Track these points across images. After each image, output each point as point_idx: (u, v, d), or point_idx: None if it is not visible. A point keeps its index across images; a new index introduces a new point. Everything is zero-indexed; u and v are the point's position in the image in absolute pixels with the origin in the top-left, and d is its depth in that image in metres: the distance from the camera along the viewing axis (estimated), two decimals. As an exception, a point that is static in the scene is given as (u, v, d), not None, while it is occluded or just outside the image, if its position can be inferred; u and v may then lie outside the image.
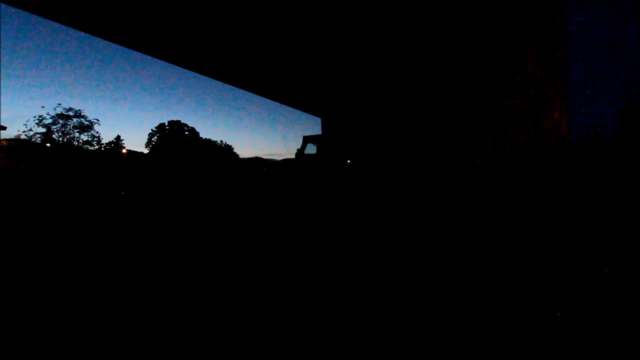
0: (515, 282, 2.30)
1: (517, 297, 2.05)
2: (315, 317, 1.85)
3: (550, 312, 1.83)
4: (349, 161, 8.14)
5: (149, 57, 12.42)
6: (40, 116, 23.82)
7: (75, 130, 25.73)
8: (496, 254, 2.93)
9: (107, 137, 75.04)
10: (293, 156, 9.65)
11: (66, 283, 2.38)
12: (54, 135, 24.42)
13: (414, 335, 1.65)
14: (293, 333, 1.68)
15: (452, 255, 2.94)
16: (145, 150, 41.98)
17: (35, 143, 22.33)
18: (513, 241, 3.38)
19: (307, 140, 9.48)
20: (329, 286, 2.32)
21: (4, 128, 17.55)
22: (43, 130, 23.88)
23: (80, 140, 25.97)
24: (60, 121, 24.82)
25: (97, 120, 26.96)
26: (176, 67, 13.51)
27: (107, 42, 12.26)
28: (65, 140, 25.00)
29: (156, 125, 44.42)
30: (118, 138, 39.84)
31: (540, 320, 1.75)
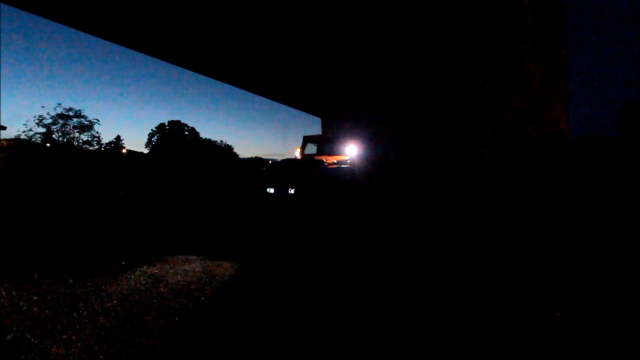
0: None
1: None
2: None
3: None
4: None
5: (149, 57, 12.41)
6: (40, 116, 23.79)
7: (75, 130, 25.72)
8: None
9: (107, 137, 75.11)
10: (293, 156, 9.62)
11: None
12: (54, 135, 24.40)
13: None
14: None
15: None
16: (145, 150, 41.98)
17: (35, 143, 22.32)
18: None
19: (307, 140, 9.48)
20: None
21: (4, 128, 17.55)
22: (43, 130, 23.87)
23: (80, 140, 25.95)
24: (60, 121, 24.80)
25: (97, 120, 26.94)
26: (176, 67, 13.49)
27: (107, 42, 12.24)
28: (65, 140, 24.99)
29: (156, 125, 44.43)
30: (118, 138, 39.94)
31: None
